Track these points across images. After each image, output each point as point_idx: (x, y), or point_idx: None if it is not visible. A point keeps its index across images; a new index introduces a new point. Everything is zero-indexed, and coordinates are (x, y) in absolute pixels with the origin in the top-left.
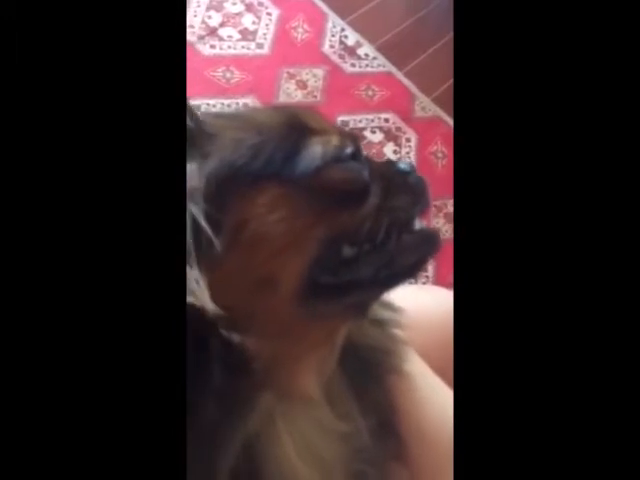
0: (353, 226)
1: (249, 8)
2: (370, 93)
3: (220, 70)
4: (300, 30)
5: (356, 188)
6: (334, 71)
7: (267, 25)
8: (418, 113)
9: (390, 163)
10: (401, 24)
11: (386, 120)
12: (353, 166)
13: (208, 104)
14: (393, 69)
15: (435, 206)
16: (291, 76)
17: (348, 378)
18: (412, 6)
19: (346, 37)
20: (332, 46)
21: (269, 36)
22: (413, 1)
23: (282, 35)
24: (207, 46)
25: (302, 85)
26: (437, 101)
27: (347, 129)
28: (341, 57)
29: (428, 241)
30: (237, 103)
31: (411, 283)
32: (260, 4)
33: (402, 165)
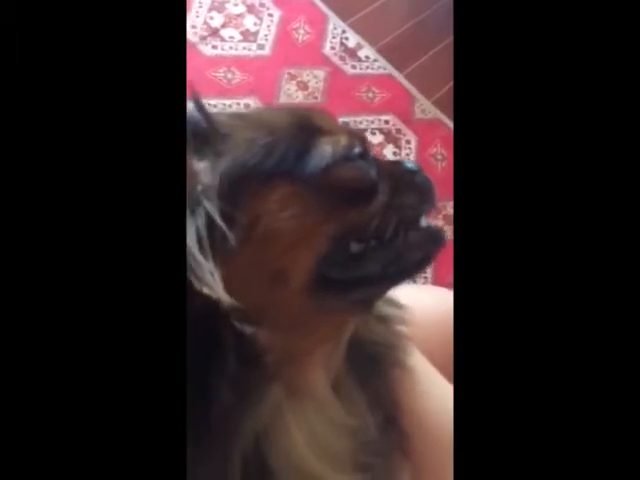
0: (361, 223)
1: (251, 9)
2: (370, 95)
3: (221, 71)
4: (301, 31)
5: (364, 186)
6: (335, 73)
7: (268, 26)
8: (418, 115)
9: (397, 163)
10: (402, 26)
11: (386, 122)
12: (361, 165)
13: (209, 104)
14: (394, 71)
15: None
16: (292, 77)
17: (354, 372)
18: (413, 9)
19: (347, 39)
20: (333, 48)
21: (270, 37)
22: (414, 4)
23: (283, 36)
24: (209, 47)
25: (303, 86)
26: (437, 103)
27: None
28: (342, 59)
29: (434, 238)
30: (238, 104)
31: (410, 283)
32: (262, 5)
33: (409, 164)
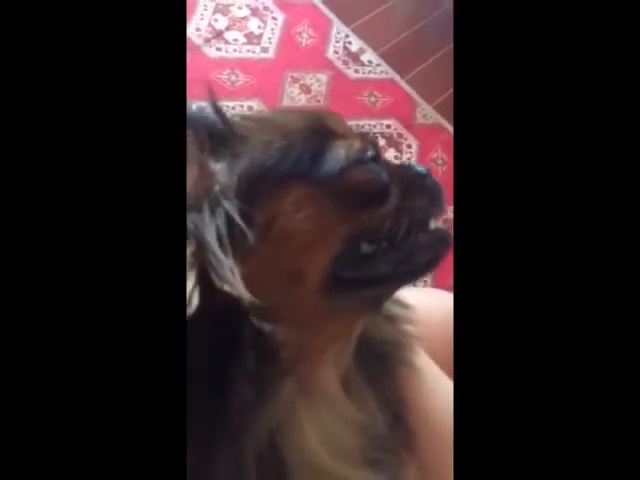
0: (374, 225)
1: (255, 12)
2: (373, 99)
3: (225, 73)
4: (305, 35)
5: (377, 189)
6: (337, 76)
7: (272, 29)
8: (419, 120)
9: (408, 166)
10: (404, 32)
11: (388, 126)
12: (374, 168)
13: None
14: (396, 76)
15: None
16: (295, 80)
17: (363, 370)
18: (415, 15)
19: (350, 43)
20: (336, 52)
21: (274, 40)
22: (416, 10)
23: (287, 40)
24: (213, 49)
25: (306, 89)
26: (438, 109)
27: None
28: (345, 63)
29: (442, 240)
30: (241, 106)
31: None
32: (266, 9)
33: (419, 168)
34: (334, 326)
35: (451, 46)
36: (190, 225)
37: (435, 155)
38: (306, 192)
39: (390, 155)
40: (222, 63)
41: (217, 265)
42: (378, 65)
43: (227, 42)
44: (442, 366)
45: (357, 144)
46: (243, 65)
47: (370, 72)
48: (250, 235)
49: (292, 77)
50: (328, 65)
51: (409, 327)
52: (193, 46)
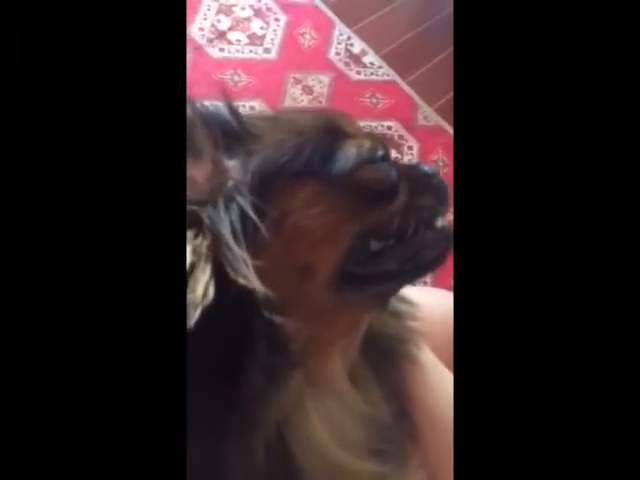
0: (383, 222)
1: (258, 13)
2: (374, 101)
3: (228, 73)
4: (307, 36)
5: (386, 187)
6: (339, 78)
7: (275, 30)
8: (421, 122)
9: (416, 166)
10: (406, 34)
11: (389, 128)
12: (384, 167)
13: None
14: (397, 78)
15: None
16: (297, 81)
17: (369, 365)
18: (417, 17)
19: (352, 45)
20: (338, 53)
21: (276, 41)
22: (418, 12)
23: (289, 41)
24: (216, 49)
25: (308, 90)
26: (439, 111)
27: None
28: (347, 64)
29: (449, 238)
30: (244, 106)
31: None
32: (269, 10)
33: (426, 168)
34: (342, 320)
35: (452, 48)
36: (205, 219)
37: (436, 157)
38: (318, 189)
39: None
40: (225, 63)
41: (232, 258)
42: (380, 67)
43: (230, 43)
44: (445, 363)
45: (367, 144)
46: (245, 66)
47: (372, 74)
48: (263, 229)
49: (294, 78)
50: (330, 66)
51: (414, 323)
52: (197, 46)
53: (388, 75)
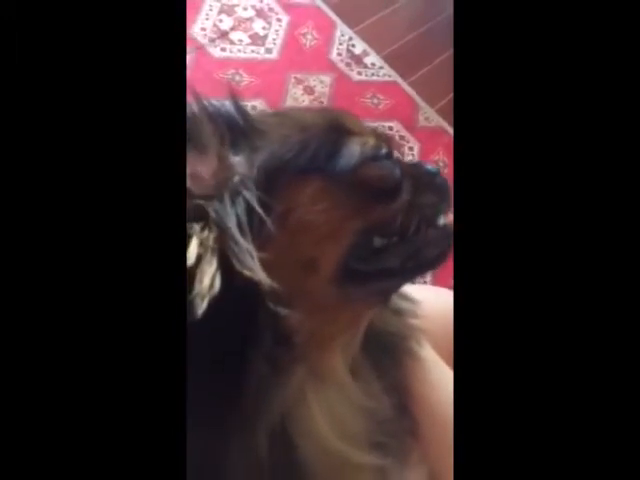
0: (386, 219)
1: (260, 13)
2: (375, 101)
3: (229, 73)
4: (309, 37)
5: (390, 185)
6: (341, 78)
7: (277, 31)
8: (422, 123)
9: (419, 164)
10: (408, 35)
11: (390, 128)
12: (387, 165)
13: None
14: (399, 79)
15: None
16: (299, 81)
17: (370, 360)
18: (419, 18)
19: (353, 46)
20: (339, 54)
21: (278, 41)
22: (420, 13)
23: (291, 41)
24: (217, 49)
25: (309, 91)
26: (440, 112)
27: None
28: (348, 65)
29: (451, 236)
30: (245, 105)
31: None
32: (271, 10)
33: (429, 167)
34: (344, 315)
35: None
36: (212, 213)
37: (437, 158)
38: (322, 186)
39: None
40: (226, 63)
41: (237, 251)
42: (381, 68)
43: (232, 42)
44: (445, 360)
45: (371, 141)
46: (247, 65)
47: (373, 74)
48: (269, 223)
49: (296, 78)
50: (332, 67)
51: (415, 321)
52: (198, 46)
53: (389, 76)
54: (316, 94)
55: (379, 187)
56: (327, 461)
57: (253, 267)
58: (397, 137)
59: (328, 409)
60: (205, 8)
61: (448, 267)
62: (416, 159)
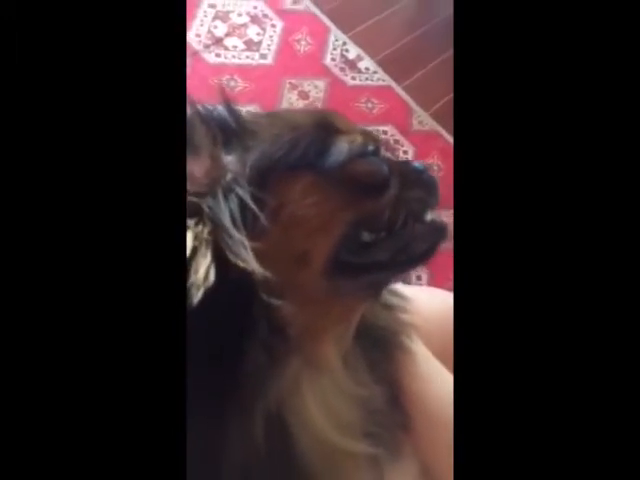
0: (374, 213)
1: (254, 20)
2: (370, 105)
3: (224, 79)
4: (303, 42)
5: (377, 180)
6: (335, 83)
7: (271, 37)
8: (416, 127)
9: (406, 162)
10: (401, 40)
11: (385, 132)
12: (375, 161)
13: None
14: (393, 83)
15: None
16: (293, 87)
17: (362, 353)
18: (412, 23)
19: (347, 51)
20: (333, 59)
21: (273, 47)
22: (413, 18)
23: (285, 47)
24: (212, 55)
25: (304, 96)
26: (435, 115)
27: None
28: (342, 70)
29: (438, 231)
30: (237, 107)
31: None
32: (265, 16)
33: (416, 164)
34: (336, 308)
35: (448, 54)
36: (206, 209)
37: (431, 161)
38: (312, 181)
39: None
40: (221, 69)
41: (231, 243)
42: (375, 72)
43: (226, 48)
44: (440, 360)
45: (359, 139)
46: (242, 71)
47: (367, 79)
48: (262, 218)
49: (290, 83)
50: (326, 72)
51: (405, 316)
52: (193, 52)
53: (383, 80)
54: (311, 99)
55: (367, 182)
56: (321, 449)
57: (246, 258)
58: (392, 141)
59: (322, 399)
60: (200, 14)
61: (443, 268)
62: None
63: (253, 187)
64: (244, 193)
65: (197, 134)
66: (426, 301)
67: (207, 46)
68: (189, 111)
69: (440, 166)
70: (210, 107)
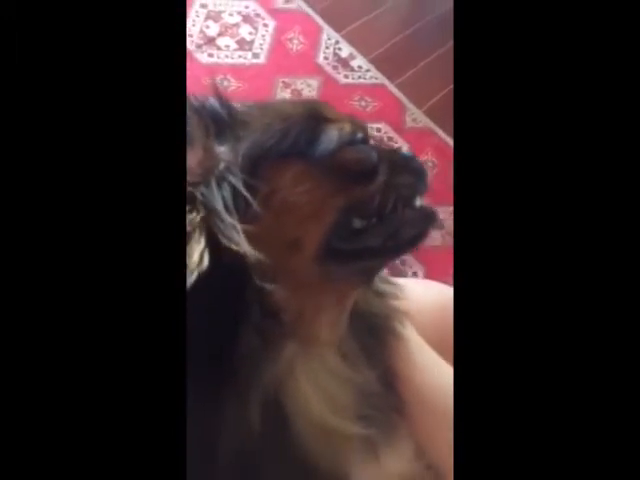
0: (364, 199)
1: (246, 19)
2: (363, 104)
3: (217, 78)
4: (295, 41)
5: (367, 167)
6: (328, 82)
7: (263, 36)
8: (409, 124)
9: (394, 150)
10: (394, 38)
11: (378, 130)
12: (364, 148)
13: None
14: (386, 81)
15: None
16: (286, 85)
17: (356, 339)
18: (405, 21)
19: (340, 49)
20: (326, 58)
21: (265, 46)
22: (406, 16)
23: (278, 46)
24: (205, 55)
25: (297, 94)
26: (428, 113)
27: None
28: (335, 68)
29: (428, 217)
30: (228, 100)
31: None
32: (257, 15)
33: (405, 152)
34: (329, 295)
35: (441, 51)
36: (199, 197)
37: (425, 158)
38: (303, 169)
39: None
40: (214, 69)
41: (223, 227)
42: (368, 70)
43: (219, 48)
44: (438, 353)
45: (348, 127)
46: (235, 71)
47: (360, 77)
48: (254, 203)
49: (283, 82)
50: (318, 70)
51: (397, 302)
52: (185, 52)
53: (376, 78)
54: (304, 98)
55: (357, 169)
56: (317, 432)
57: (239, 241)
58: (385, 138)
59: (317, 382)
60: (192, 15)
61: (440, 264)
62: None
63: (245, 175)
64: (236, 181)
65: (190, 126)
66: (421, 292)
67: (199, 46)
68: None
69: (435, 163)
70: (203, 99)
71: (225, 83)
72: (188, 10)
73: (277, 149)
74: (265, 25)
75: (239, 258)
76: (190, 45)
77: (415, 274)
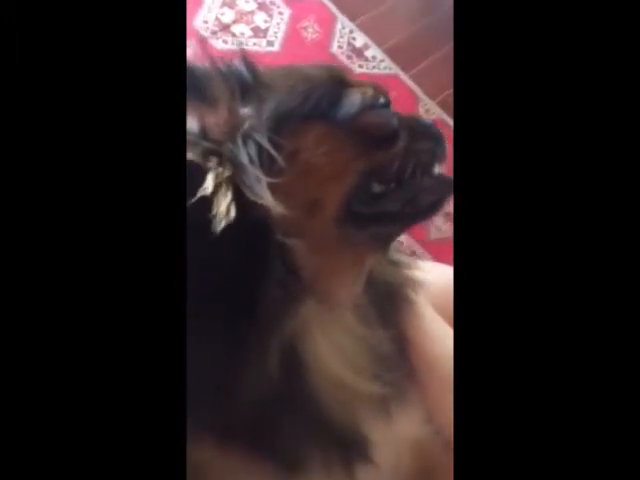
0: (384, 163)
1: (262, 7)
2: None
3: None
4: (310, 30)
5: (388, 131)
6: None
7: (278, 24)
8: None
9: (414, 117)
10: (408, 28)
11: None
12: (385, 113)
13: None
14: (399, 72)
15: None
16: None
17: (372, 303)
18: (419, 11)
19: (354, 39)
20: (340, 47)
21: (280, 35)
22: (420, 7)
23: (292, 34)
24: (219, 41)
25: None
26: (441, 104)
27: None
28: (349, 58)
29: (445, 185)
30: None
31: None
32: (272, 3)
33: (424, 120)
34: (347, 257)
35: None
36: (226, 152)
37: None
38: (325, 131)
39: None
40: (229, 56)
41: (249, 182)
42: (382, 61)
43: (234, 35)
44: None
45: (370, 92)
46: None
47: (374, 67)
48: (279, 159)
49: None
50: (333, 60)
51: (411, 272)
52: (200, 38)
53: (390, 69)
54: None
55: (378, 134)
56: (332, 386)
57: (263, 195)
58: None
59: (334, 339)
60: (207, 1)
61: (448, 253)
62: None
63: (270, 133)
64: (261, 138)
65: (216, 88)
66: (433, 268)
67: (214, 32)
68: (210, 66)
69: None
70: (228, 61)
71: None
72: None
73: (300, 111)
74: (280, 13)
75: (263, 212)
76: (205, 32)
77: None
